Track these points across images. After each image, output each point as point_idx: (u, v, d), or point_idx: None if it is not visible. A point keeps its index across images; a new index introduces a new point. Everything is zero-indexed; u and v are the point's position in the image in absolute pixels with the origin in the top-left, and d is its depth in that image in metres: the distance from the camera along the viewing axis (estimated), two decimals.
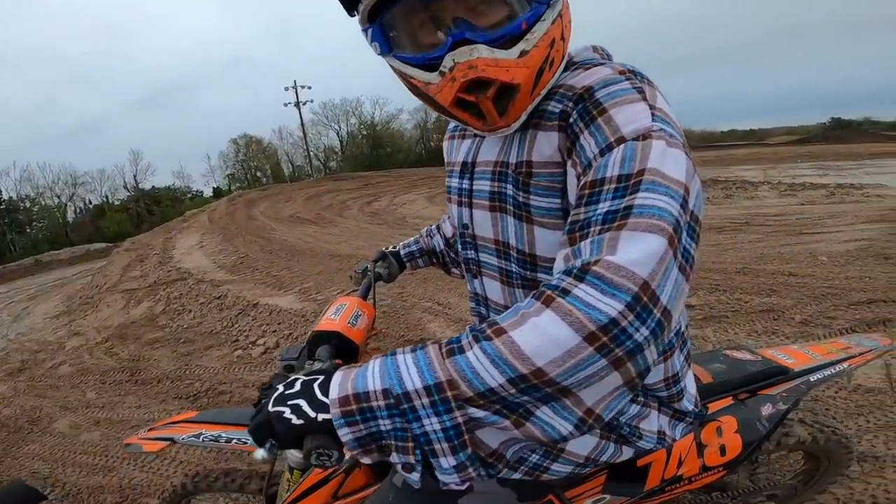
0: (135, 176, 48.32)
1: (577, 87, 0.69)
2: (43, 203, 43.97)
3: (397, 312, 4.05)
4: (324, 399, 0.59)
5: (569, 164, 0.69)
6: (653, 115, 0.64)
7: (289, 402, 0.60)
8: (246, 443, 1.14)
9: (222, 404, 3.16)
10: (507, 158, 0.78)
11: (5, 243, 37.74)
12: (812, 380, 1.15)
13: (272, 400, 0.62)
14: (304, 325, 4.04)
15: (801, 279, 3.90)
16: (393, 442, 0.57)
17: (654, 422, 0.88)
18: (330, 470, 1.04)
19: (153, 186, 50.67)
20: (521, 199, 0.76)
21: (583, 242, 0.59)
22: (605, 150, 0.62)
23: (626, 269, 0.53)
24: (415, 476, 0.58)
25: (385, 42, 0.73)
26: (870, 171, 13.17)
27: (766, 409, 1.08)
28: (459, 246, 0.97)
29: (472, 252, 0.92)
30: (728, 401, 1.09)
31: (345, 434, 0.57)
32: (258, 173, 52.66)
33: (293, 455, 0.98)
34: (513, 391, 0.53)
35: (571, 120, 0.68)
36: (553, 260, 0.74)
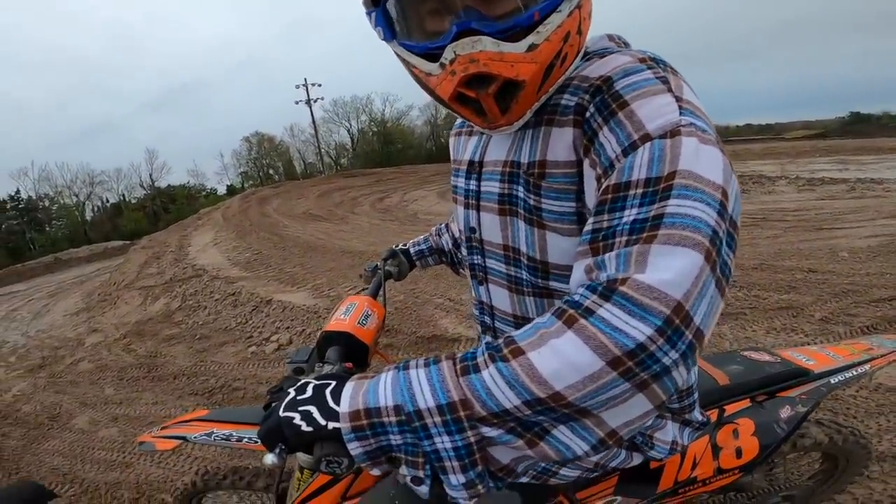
0: (151, 175, 49.36)
1: (593, 78, 0.63)
2: (62, 202, 45.05)
3: (409, 308, 4.05)
4: (335, 407, 0.58)
5: (586, 163, 0.63)
6: (680, 108, 0.57)
7: (299, 409, 0.59)
8: (257, 442, 1.14)
9: (236, 401, 3.20)
10: (518, 158, 0.73)
11: (25, 242, 38.70)
12: (833, 382, 1.13)
13: (283, 405, 0.61)
14: (317, 322, 4.07)
15: (821, 275, 3.83)
16: (403, 456, 0.56)
17: (668, 433, 0.85)
18: None
19: (169, 185, 51.78)
20: (532, 202, 0.71)
21: (607, 255, 0.54)
22: (629, 149, 0.56)
23: (657, 290, 0.48)
24: (423, 489, 0.57)
25: (388, 28, 0.67)
26: (891, 165, 12.87)
27: (785, 412, 1.05)
28: (465, 250, 0.92)
29: (479, 257, 0.87)
30: (746, 402, 1.07)
31: (354, 448, 0.56)
32: (271, 171, 53.35)
33: (304, 456, 0.98)
34: (528, 412, 0.51)
35: (588, 114, 0.62)
36: (566, 268, 0.71)
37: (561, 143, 0.66)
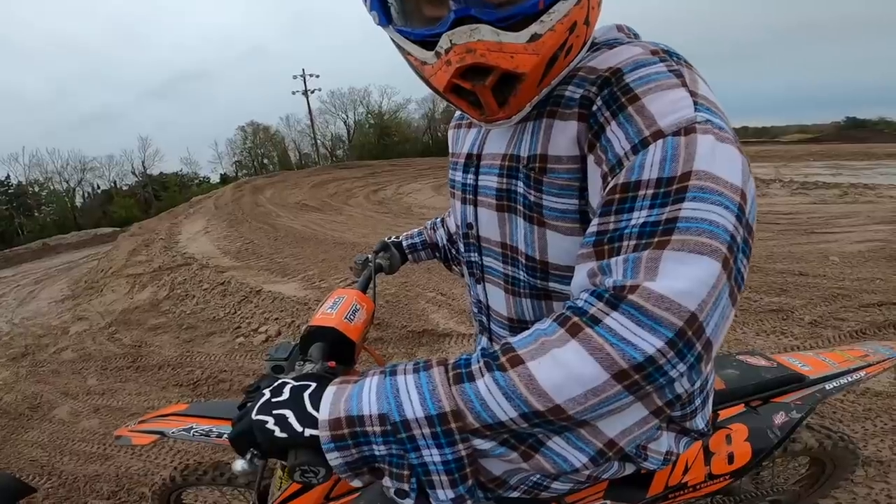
0: (143, 162, 48.68)
1: (602, 69, 0.60)
2: (52, 188, 44.36)
3: (400, 302, 4.02)
4: (313, 412, 0.54)
5: (591, 159, 0.59)
6: (695, 103, 0.54)
7: (274, 412, 0.55)
8: None
9: (222, 393, 3.16)
10: (518, 151, 0.69)
11: (13, 227, 38.15)
12: (827, 388, 1.12)
13: (256, 407, 0.57)
14: (307, 313, 4.02)
15: (812, 279, 3.84)
16: (387, 467, 0.53)
17: (662, 444, 0.81)
18: None
19: (161, 172, 51.08)
20: (532, 198, 0.67)
21: (613, 259, 0.50)
22: (639, 146, 0.53)
23: (670, 300, 0.45)
24: (408, 502, 0.54)
25: (384, 12, 0.63)
26: (885, 171, 12.98)
27: (779, 418, 1.04)
28: (462, 246, 0.88)
29: (476, 255, 0.84)
30: (740, 408, 1.06)
31: (334, 458, 0.52)
32: (265, 160, 52.89)
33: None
34: (525, 425, 0.48)
35: (595, 108, 0.58)
36: (566, 269, 0.67)
37: (563, 137, 0.62)
